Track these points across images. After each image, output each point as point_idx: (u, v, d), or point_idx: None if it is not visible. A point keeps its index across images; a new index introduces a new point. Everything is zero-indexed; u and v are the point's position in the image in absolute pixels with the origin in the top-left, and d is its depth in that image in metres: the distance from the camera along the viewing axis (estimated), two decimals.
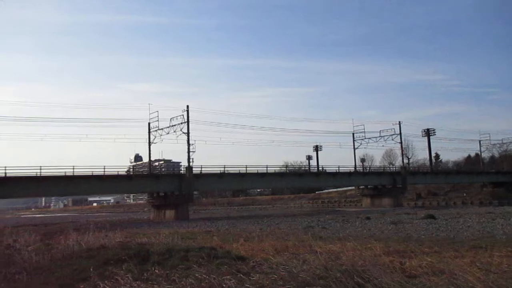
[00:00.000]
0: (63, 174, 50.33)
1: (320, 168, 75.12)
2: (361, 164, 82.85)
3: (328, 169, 72.84)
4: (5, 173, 46.62)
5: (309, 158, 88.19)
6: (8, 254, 15.75)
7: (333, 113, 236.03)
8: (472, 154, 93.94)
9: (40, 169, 48.55)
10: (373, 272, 7.76)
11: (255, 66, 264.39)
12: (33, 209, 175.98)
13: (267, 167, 64.55)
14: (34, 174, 48.49)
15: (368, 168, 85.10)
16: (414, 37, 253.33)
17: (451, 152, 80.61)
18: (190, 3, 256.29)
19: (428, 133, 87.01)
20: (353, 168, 75.92)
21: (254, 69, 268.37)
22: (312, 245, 13.13)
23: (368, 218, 37.58)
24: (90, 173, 52.07)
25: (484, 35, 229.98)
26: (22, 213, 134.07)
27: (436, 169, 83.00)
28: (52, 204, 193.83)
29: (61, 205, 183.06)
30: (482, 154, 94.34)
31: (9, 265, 12.92)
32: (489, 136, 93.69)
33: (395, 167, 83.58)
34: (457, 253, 12.98)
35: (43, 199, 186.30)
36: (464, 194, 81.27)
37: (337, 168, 71.36)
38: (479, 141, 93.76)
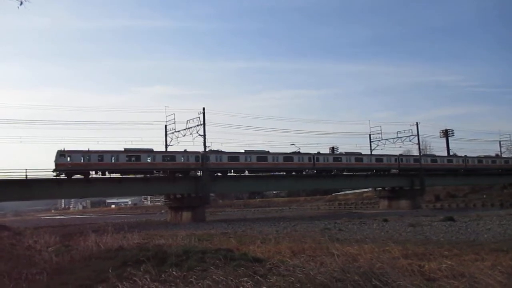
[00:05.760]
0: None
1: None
2: None
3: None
4: (26, 175, 47.50)
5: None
6: (29, 255, 16.03)
7: (348, 115, 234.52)
8: (492, 155, 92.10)
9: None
10: (391, 275, 7.68)
11: (269, 69, 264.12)
12: (52, 210, 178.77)
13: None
14: (53, 177, 49.37)
15: None
16: (429, 38, 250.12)
17: (470, 153, 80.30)
18: (204, 8, 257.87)
19: (446, 134, 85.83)
20: None
21: (268, 71, 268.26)
22: (329, 247, 13.04)
23: (386, 220, 37.23)
24: (108, 175, 52.77)
25: (500, 36, 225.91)
26: (42, 215, 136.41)
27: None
28: (71, 206, 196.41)
29: (80, 207, 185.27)
30: (502, 155, 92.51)
31: (30, 266, 13.15)
32: (510, 137, 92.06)
33: None
34: (477, 256, 12.77)
35: (63, 201, 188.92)
36: (484, 196, 79.76)
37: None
38: (499, 141, 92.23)
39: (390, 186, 74.46)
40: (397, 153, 75.09)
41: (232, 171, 60.02)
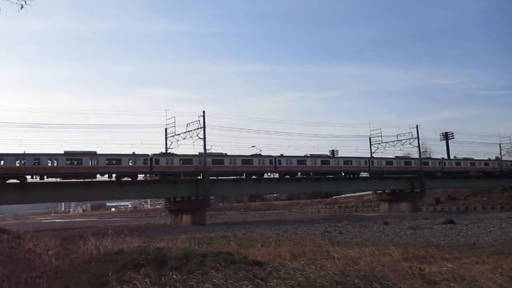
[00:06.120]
0: (82, 179, 51.03)
1: None
2: None
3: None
4: (26, 179, 47.55)
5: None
6: (29, 258, 15.99)
7: (349, 118, 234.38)
8: (492, 158, 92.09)
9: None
10: (391, 278, 7.67)
11: (271, 72, 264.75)
12: (53, 214, 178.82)
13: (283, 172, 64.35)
14: (53, 180, 49.37)
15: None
16: (430, 40, 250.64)
17: (470, 156, 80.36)
18: (206, 11, 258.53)
19: (446, 136, 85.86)
20: None
21: (270, 74, 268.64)
22: (329, 250, 13.03)
23: (386, 223, 37.22)
24: (108, 179, 52.70)
25: (501, 38, 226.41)
26: (42, 218, 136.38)
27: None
28: (71, 209, 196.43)
29: (80, 210, 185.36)
30: (502, 157, 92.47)
31: (30, 269, 13.11)
32: (510, 139, 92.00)
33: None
34: (478, 259, 12.78)
35: (63, 204, 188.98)
36: (484, 199, 79.72)
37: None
38: (499, 144, 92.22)
39: (390, 189, 74.37)
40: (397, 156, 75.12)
41: (183, 175, 56.90)
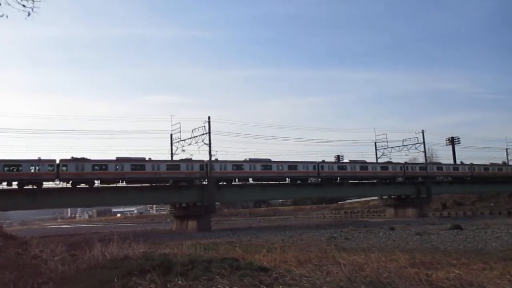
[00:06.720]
0: (88, 185, 51.23)
1: None
2: None
3: (351, 179, 71.59)
4: (32, 184, 47.78)
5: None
6: (35, 264, 16.04)
7: (355, 122, 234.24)
8: (499, 163, 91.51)
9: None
10: (398, 285, 7.63)
11: (278, 76, 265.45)
12: (59, 219, 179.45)
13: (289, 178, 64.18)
14: (60, 186, 49.63)
15: None
16: (434, 44, 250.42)
17: (477, 161, 79.76)
18: (212, 15, 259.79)
19: (452, 141, 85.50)
20: None
21: (276, 79, 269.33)
22: (335, 256, 12.98)
23: (392, 229, 37.07)
24: (114, 184, 52.87)
25: (507, 41, 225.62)
26: (49, 224, 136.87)
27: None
28: (77, 215, 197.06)
29: (86, 216, 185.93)
30: (509, 162, 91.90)
31: (36, 275, 13.15)
32: None
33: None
34: (486, 265, 12.69)
35: (69, 210, 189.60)
36: (492, 204, 79.08)
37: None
38: (506, 149, 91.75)
39: (396, 194, 73.96)
40: (403, 161, 74.83)
41: (99, 181, 51.99)
